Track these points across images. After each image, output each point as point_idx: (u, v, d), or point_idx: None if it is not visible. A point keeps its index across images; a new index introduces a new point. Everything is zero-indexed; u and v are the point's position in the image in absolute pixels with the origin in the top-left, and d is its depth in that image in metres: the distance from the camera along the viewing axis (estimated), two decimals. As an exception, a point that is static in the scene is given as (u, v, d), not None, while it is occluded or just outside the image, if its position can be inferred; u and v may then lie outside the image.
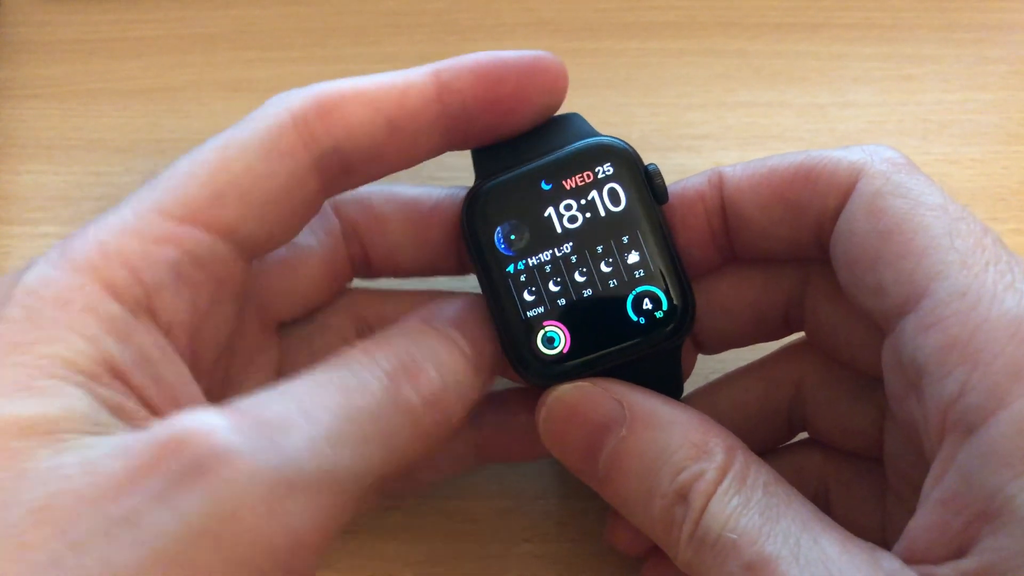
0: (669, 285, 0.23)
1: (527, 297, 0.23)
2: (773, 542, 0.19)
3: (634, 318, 0.23)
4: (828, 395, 0.25)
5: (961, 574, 0.17)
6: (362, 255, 0.26)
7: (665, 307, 0.23)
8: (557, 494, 0.29)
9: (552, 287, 0.23)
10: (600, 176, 0.23)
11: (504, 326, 0.23)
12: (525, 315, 0.23)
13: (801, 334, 0.26)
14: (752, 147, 0.36)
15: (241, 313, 0.23)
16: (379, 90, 0.22)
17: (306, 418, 0.18)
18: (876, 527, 0.24)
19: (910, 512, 0.19)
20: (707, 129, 0.37)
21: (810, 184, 0.22)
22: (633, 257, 0.23)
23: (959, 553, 0.18)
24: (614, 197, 0.23)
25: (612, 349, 0.23)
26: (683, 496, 0.20)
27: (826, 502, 0.26)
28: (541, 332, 0.23)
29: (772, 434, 0.27)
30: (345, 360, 0.20)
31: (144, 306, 0.19)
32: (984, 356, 0.18)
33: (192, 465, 0.16)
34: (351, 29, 0.39)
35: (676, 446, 0.21)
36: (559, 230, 0.23)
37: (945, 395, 0.18)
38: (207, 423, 0.17)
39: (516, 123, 0.23)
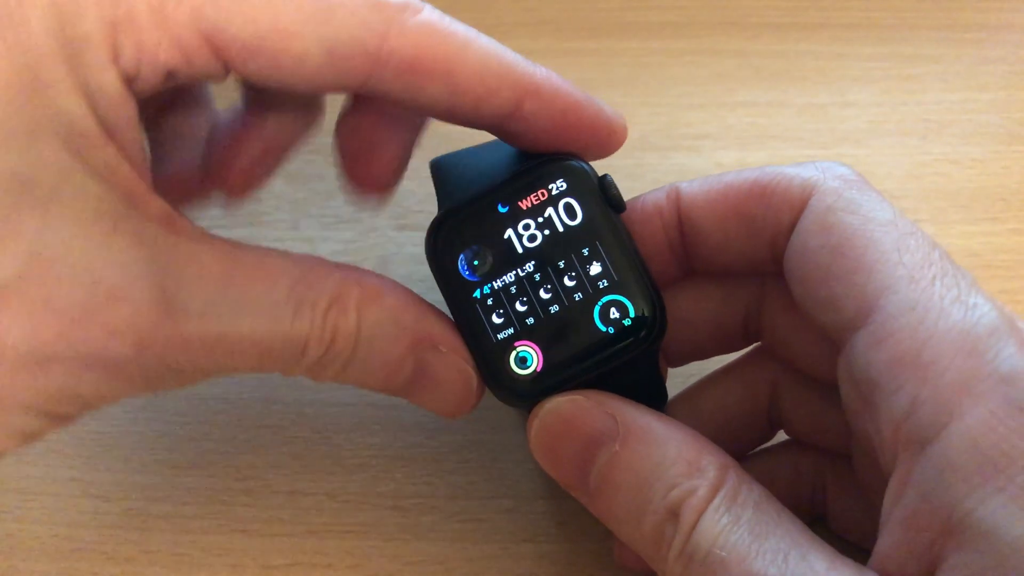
0: (635, 292, 0.23)
1: (495, 320, 0.23)
2: (762, 560, 0.19)
3: (603, 328, 0.23)
4: (801, 394, 0.26)
5: None
6: None
7: (633, 314, 0.23)
8: (557, 494, 0.29)
9: (519, 307, 0.23)
10: (555, 192, 0.24)
11: (477, 351, 0.23)
12: (496, 338, 0.23)
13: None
14: (752, 147, 0.36)
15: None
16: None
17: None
18: (871, 527, 0.24)
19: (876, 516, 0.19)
20: (707, 129, 0.37)
21: (764, 200, 0.22)
22: (595, 268, 0.23)
23: (928, 573, 0.18)
24: (570, 212, 0.23)
25: (585, 362, 0.23)
26: (674, 513, 0.20)
27: (823, 500, 0.26)
28: (513, 353, 0.23)
29: (755, 434, 0.27)
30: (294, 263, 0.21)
31: None
32: (933, 370, 0.18)
33: None
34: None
35: (670, 462, 0.21)
36: (520, 250, 0.23)
37: (896, 410, 0.18)
38: None
39: (548, 144, 0.24)
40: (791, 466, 0.26)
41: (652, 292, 0.23)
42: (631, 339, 0.23)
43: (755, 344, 0.27)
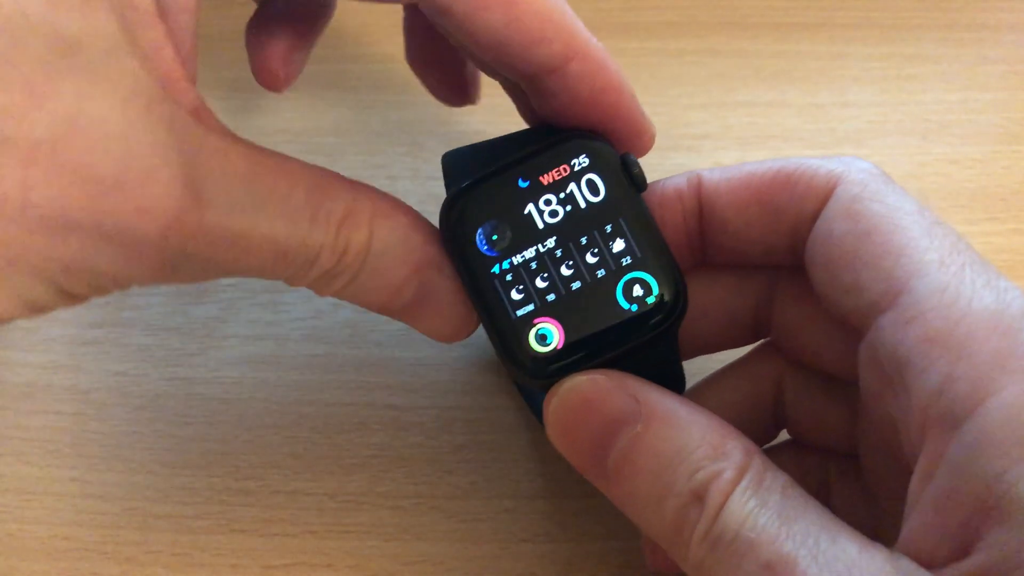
0: (658, 269, 0.23)
1: (515, 296, 0.23)
2: (792, 541, 0.19)
3: (626, 306, 0.22)
4: (806, 393, 0.26)
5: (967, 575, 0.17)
6: None
7: (656, 292, 0.22)
8: (557, 494, 0.29)
9: (540, 283, 0.23)
10: (577, 168, 0.23)
11: (495, 328, 0.23)
12: (515, 314, 0.22)
13: None
14: (752, 147, 0.36)
15: None
16: None
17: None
18: (870, 526, 0.24)
19: (887, 514, 0.19)
20: (707, 129, 0.37)
21: (788, 188, 0.23)
22: (618, 245, 0.23)
23: (962, 553, 0.17)
24: (593, 188, 0.23)
25: (607, 340, 0.22)
26: (699, 496, 0.20)
27: (827, 498, 0.26)
28: (533, 330, 0.22)
29: (759, 433, 0.27)
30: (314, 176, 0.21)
31: None
32: (967, 347, 0.18)
33: None
34: (353, 29, 0.39)
35: (695, 445, 0.21)
36: (541, 226, 0.23)
37: (928, 388, 0.18)
38: None
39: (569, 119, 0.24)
40: (794, 466, 0.26)
41: (675, 270, 0.23)
42: (655, 317, 0.22)
43: (761, 341, 0.27)
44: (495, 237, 0.23)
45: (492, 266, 0.23)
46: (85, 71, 0.19)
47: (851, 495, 0.25)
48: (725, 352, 0.27)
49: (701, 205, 0.24)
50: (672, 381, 0.24)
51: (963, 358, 0.18)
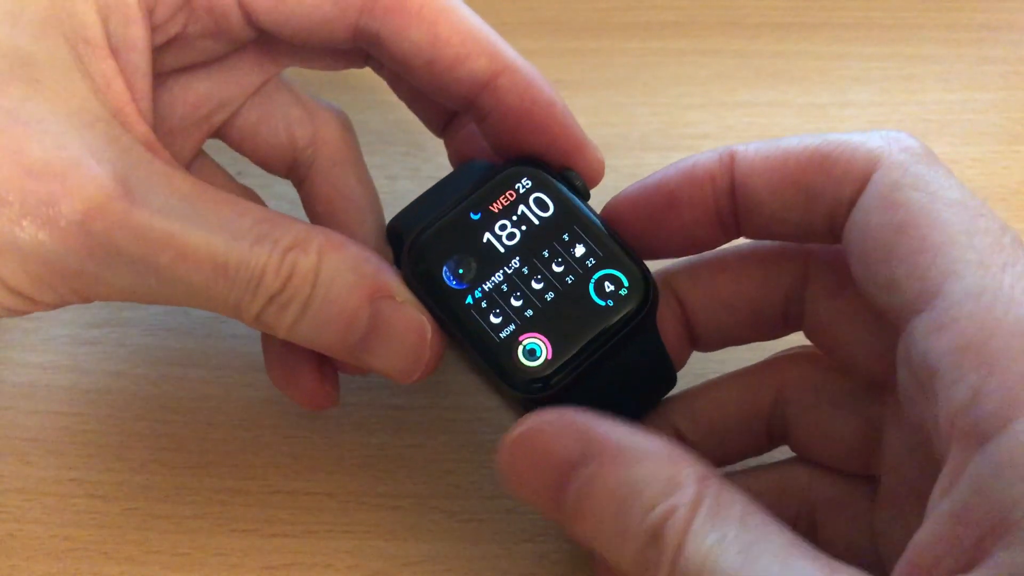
0: (623, 263, 0.23)
1: (494, 320, 0.23)
2: None
3: (602, 303, 0.23)
4: (810, 404, 0.25)
5: None
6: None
7: (627, 283, 0.23)
8: (557, 494, 0.29)
9: (515, 302, 0.23)
10: (522, 191, 0.24)
11: (485, 355, 0.23)
12: (499, 337, 0.23)
13: (790, 346, 0.26)
14: (752, 147, 0.36)
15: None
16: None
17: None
18: (868, 546, 0.24)
19: (909, 525, 0.19)
20: (707, 129, 0.37)
21: (825, 171, 0.21)
22: (579, 250, 0.24)
23: (967, 567, 0.17)
24: (541, 205, 0.24)
25: (593, 339, 0.23)
26: (657, 535, 0.19)
27: (812, 522, 0.25)
28: (520, 347, 0.23)
29: (751, 441, 0.26)
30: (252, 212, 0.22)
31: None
32: (1000, 361, 0.17)
33: None
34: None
35: (646, 481, 0.20)
36: (502, 250, 0.24)
37: (956, 401, 0.18)
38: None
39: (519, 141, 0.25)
40: (778, 489, 0.26)
41: (638, 261, 0.24)
42: (631, 305, 0.23)
43: (772, 355, 0.26)
44: (461, 271, 0.24)
45: (465, 298, 0.23)
46: (35, 82, 0.21)
47: (841, 518, 0.25)
48: (725, 353, 0.27)
49: (734, 184, 0.23)
50: (662, 376, 0.25)
51: (994, 373, 0.17)
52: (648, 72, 0.39)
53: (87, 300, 0.22)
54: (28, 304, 0.22)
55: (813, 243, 0.24)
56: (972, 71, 0.39)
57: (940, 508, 0.18)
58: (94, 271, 0.21)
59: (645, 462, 0.20)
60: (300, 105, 0.28)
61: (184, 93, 0.26)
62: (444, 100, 0.25)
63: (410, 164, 0.36)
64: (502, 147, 0.26)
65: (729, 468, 0.27)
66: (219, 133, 0.27)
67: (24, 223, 0.20)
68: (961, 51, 0.39)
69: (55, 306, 0.22)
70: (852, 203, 0.21)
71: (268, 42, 0.26)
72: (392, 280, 0.23)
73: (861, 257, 0.21)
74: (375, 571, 0.28)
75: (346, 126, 0.28)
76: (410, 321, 0.23)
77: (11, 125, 0.20)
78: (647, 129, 0.37)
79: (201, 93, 0.26)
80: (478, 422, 0.30)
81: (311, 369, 0.27)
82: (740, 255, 0.25)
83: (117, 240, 0.20)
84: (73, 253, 0.20)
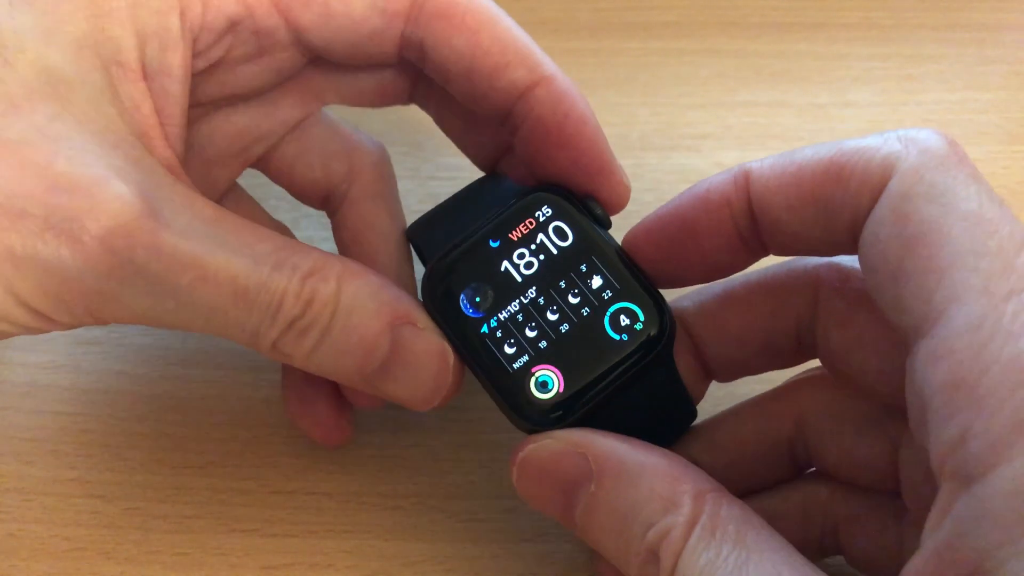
0: (640, 297, 0.23)
1: (508, 350, 0.23)
2: None
3: (616, 337, 0.23)
4: (831, 430, 0.25)
5: None
6: None
7: (643, 317, 0.23)
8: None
9: (529, 333, 0.23)
10: (542, 219, 0.24)
11: (496, 386, 0.23)
12: (512, 368, 0.23)
13: (808, 368, 0.26)
14: (752, 147, 0.36)
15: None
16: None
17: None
18: (893, 562, 0.23)
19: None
20: (707, 129, 0.37)
21: (842, 184, 0.20)
22: (596, 281, 0.23)
23: None
24: (561, 234, 0.24)
25: (605, 373, 0.23)
26: (654, 554, 0.20)
27: (835, 539, 0.25)
28: (532, 379, 0.23)
29: (773, 469, 0.26)
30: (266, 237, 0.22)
31: (190, 26, 0.22)
32: (989, 403, 0.17)
33: None
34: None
35: (644, 500, 0.20)
36: (519, 279, 0.24)
37: (946, 439, 0.17)
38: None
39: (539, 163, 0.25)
40: (800, 507, 0.26)
41: (655, 295, 0.23)
42: (645, 342, 0.23)
43: (789, 380, 0.26)
44: (478, 299, 0.24)
45: (481, 326, 0.23)
46: (64, 101, 0.21)
47: (865, 534, 0.25)
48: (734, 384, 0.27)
49: (752, 206, 0.22)
50: (679, 411, 0.24)
51: (983, 414, 0.17)
52: (648, 72, 0.39)
53: (102, 322, 0.22)
54: (43, 323, 0.22)
55: (823, 267, 0.24)
56: (972, 71, 0.39)
57: (927, 543, 0.18)
58: (113, 291, 0.21)
59: (644, 480, 0.21)
60: (338, 139, 0.28)
61: (224, 125, 0.26)
62: (483, 111, 0.25)
63: (410, 164, 0.36)
64: (533, 161, 0.25)
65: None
66: (256, 164, 0.28)
67: (47, 237, 0.20)
68: (961, 51, 0.39)
69: (69, 327, 0.22)
70: (870, 213, 0.20)
71: (311, 77, 0.26)
72: (413, 308, 0.23)
73: (872, 272, 0.20)
74: (375, 571, 0.28)
75: (383, 160, 0.28)
76: (432, 347, 0.23)
77: (39, 141, 0.20)
78: (647, 129, 0.37)
79: (241, 126, 0.26)
80: (478, 422, 0.30)
81: (328, 404, 0.27)
82: (748, 286, 0.25)
83: (139, 259, 0.20)
84: (94, 271, 0.20)
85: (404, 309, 0.23)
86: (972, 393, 0.17)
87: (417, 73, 0.26)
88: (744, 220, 0.23)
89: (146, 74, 0.22)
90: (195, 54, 0.23)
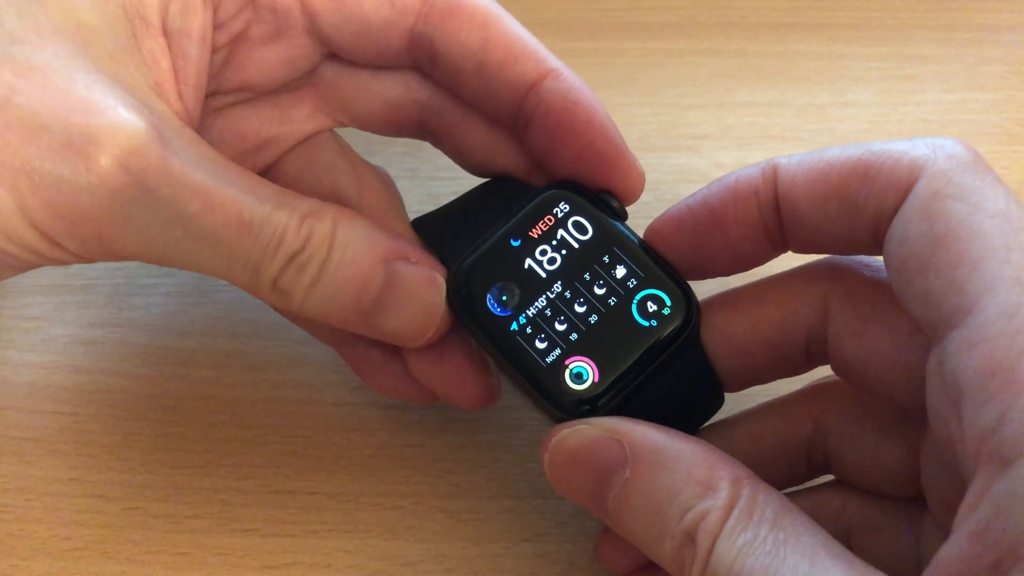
0: (664, 282, 0.24)
1: (540, 345, 0.23)
2: None
3: (645, 323, 0.23)
4: (852, 433, 0.25)
5: None
6: None
7: (669, 303, 0.23)
8: (557, 494, 0.29)
9: (559, 326, 0.23)
10: (560, 215, 0.25)
11: (532, 381, 0.23)
12: (545, 362, 0.23)
13: (829, 374, 0.26)
14: (752, 147, 0.36)
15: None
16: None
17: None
18: (908, 568, 0.24)
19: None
20: (707, 129, 0.37)
21: (868, 182, 0.21)
22: (620, 271, 0.24)
23: None
24: (580, 228, 0.24)
25: (638, 360, 0.23)
26: (691, 537, 0.20)
27: (847, 545, 0.25)
28: (567, 371, 0.23)
29: (790, 471, 0.26)
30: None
31: None
32: None
33: None
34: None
35: (681, 484, 0.21)
36: (544, 275, 0.24)
37: (983, 423, 0.18)
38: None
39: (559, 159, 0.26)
40: (811, 513, 0.26)
41: (679, 279, 0.24)
42: (675, 324, 0.23)
43: (808, 384, 0.26)
44: (504, 298, 0.24)
45: (510, 324, 0.24)
46: (87, 45, 0.22)
47: (881, 540, 0.25)
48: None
49: (778, 199, 0.23)
50: (710, 395, 0.25)
51: (1020, 397, 0.17)
52: (648, 72, 0.39)
53: (109, 254, 0.22)
54: (50, 248, 0.22)
55: (832, 276, 0.24)
56: (971, 71, 0.39)
57: (963, 527, 0.18)
58: (124, 212, 0.21)
59: (681, 466, 0.21)
60: (346, 159, 0.28)
61: (237, 124, 0.26)
62: (493, 110, 0.26)
63: (409, 164, 0.36)
64: (545, 156, 0.26)
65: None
66: (265, 173, 0.28)
67: (65, 153, 0.20)
68: (961, 51, 0.39)
69: (74, 258, 0.22)
70: (895, 213, 0.21)
71: (324, 88, 0.27)
72: (407, 245, 0.24)
73: (899, 268, 0.20)
74: (375, 571, 0.28)
75: (390, 184, 0.29)
76: (423, 275, 0.24)
77: (62, 68, 0.21)
78: (647, 129, 0.37)
79: (252, 126, 0.27)
80: (478, 422, 0.30)
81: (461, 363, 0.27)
82: (755, 298, 0.25)
83: (151, 182, 0.21)
84: (106, 191, 0.21)
85: (398, 246, 0.24)
86: (1008, 377, 0.17)
87: (427, 97, 0.27)
88: (770, 212, 0.23)
89: (166, 32, 0.23)
90: (216, 25, 0.24)
